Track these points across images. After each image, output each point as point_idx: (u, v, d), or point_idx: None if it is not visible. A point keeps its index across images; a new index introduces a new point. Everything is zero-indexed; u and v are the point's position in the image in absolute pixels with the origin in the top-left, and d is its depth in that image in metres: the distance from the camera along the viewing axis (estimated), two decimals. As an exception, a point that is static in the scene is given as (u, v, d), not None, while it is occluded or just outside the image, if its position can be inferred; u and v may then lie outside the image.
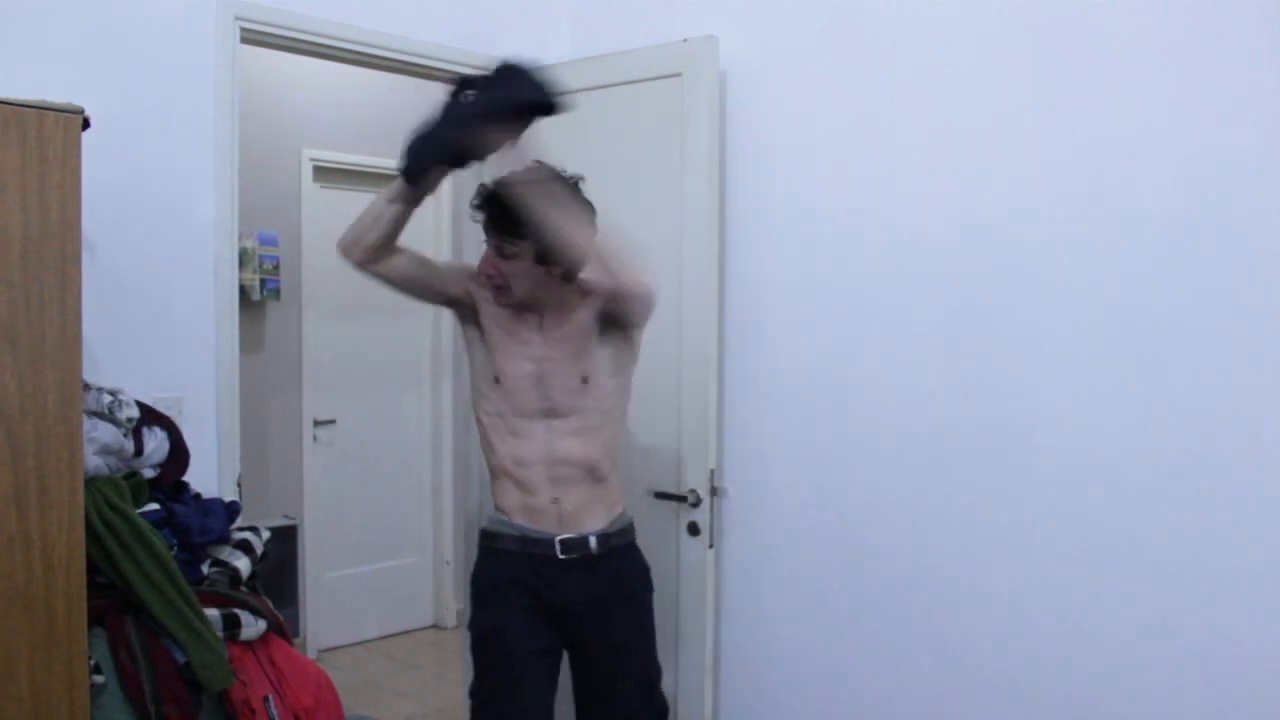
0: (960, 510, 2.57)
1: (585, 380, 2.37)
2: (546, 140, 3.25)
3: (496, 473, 2.43)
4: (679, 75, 2.93)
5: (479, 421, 2.46)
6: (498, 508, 2.44)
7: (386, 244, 2.42)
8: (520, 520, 2.39)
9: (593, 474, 2.39)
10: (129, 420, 2.29)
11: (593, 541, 2.38)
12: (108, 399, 2.28)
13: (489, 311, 2.42)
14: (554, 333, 2.38)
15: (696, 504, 2.92)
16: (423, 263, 2.52)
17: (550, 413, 2.37)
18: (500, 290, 2.36)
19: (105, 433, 2.24)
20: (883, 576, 2.72)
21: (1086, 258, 2.34)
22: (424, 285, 2.49)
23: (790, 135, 2.88)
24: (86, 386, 2.18)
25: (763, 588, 2.97)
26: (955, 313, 2.57)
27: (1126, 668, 2.30)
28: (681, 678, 2.98)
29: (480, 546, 2.48)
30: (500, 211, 2.30)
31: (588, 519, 2.39)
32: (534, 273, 2.32)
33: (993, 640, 2.52)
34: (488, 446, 2.44)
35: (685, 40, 2.94)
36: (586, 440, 2.38)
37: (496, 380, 2.39)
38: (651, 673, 2.52)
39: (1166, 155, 2.22)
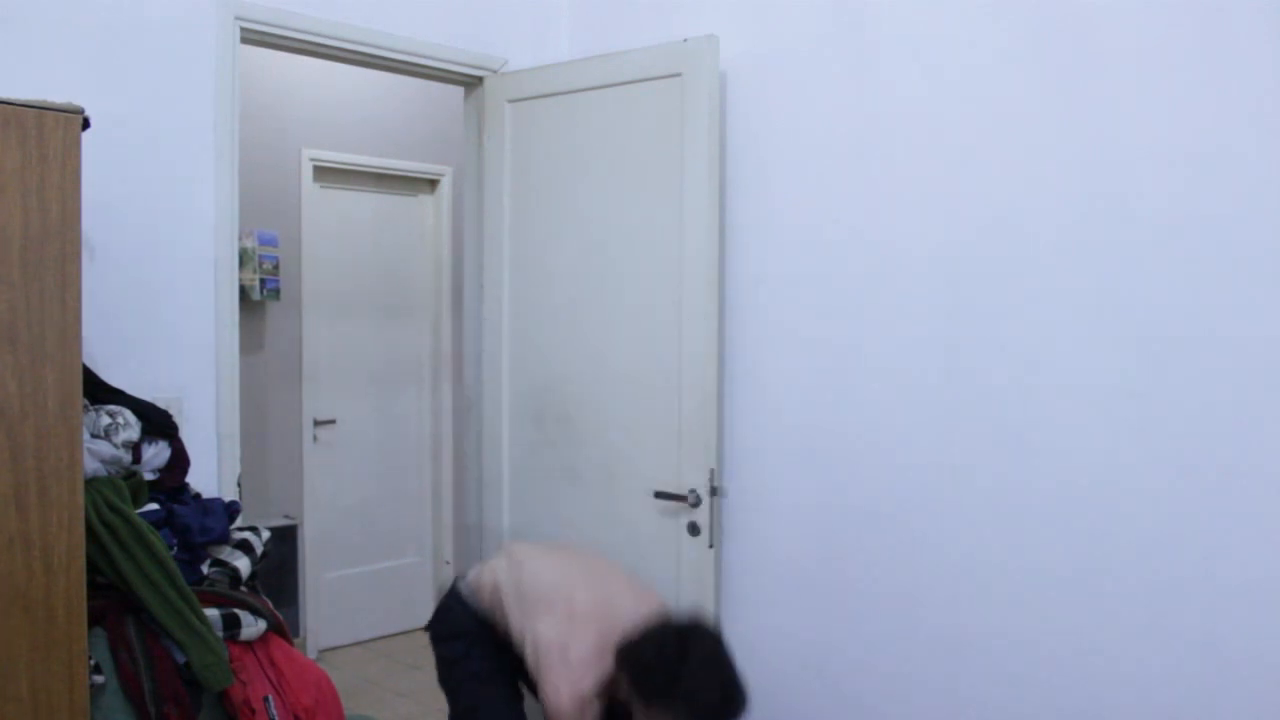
0: (959, 511, 2.57)
1: None
2: (546, 138, 3.26)
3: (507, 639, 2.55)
4: (679, 75, 2.93)
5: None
6: (484, 599, 2.60)
7: None
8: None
9: None
10: (126, 444, 2.29)
11: None
12: (105, 421, 2.27)
13: None
14: None
15: (696, 504, 2.92)
16: None
17: None
18: None
19: (103, 448, 2.24)
20: (882, 576, 2.72)
21: (1087, 260, 2.34)
22: None
23: (790, 135, 2.88)
24: (85, 408, 2.18)
25: (763, 588, 2.97)
26: (955, 313, 2.57)
27: (1125, 668, 2.30)
28: (681, 678, 2.98)
29: (451, 597, 2.70)
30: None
31: None
32: None
33: (993, 640, 2.52)
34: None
35: (685, 40, 2.94)
36: None
37: None
38: None
39: (1167, 158, 2.22)
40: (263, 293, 4.58)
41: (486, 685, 2.55)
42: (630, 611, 2.40)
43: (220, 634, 2.21)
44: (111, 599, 2.14)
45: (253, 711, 2.18)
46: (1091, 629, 2.35)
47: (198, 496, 2.51)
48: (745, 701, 2.26)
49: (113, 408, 2.33)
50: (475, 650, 2.56)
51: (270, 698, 2.23)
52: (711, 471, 2.91)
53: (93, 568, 2.07)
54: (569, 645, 2.34)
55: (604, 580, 2.55)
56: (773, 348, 2.94)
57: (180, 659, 2.14)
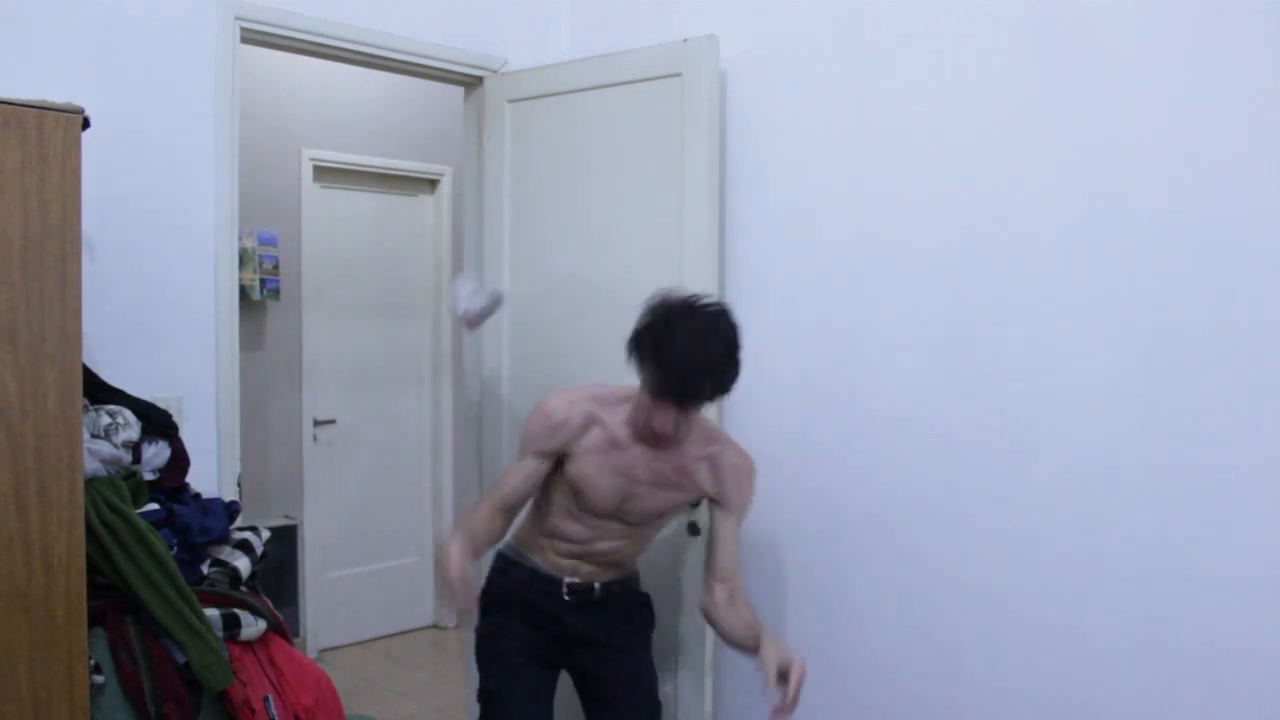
0: (959, 511, 2.57)
1: (660, 516, 2.49)
2: (546, 138, 3.26)
3: (536, 530, 2.48)
4: (679, 75, 2.93)
5: (542, 499, 2.46)
6: (519, 540, 2.52)
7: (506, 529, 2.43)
8: (536, 559, 2.48)
9: (620, 565, 2.52)
10: (126, 444, 2.29)
11: (597, 587, 2.48)
12: (105, 421, 2.27)
13: (588, 447, 2.35)
14: (662, 469, 2.36)
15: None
16: (530, 478, 2.39)
17: (618, 518, 2.42)
18: (659, 439, 2.29)
19: (103, 448, 2.24)
20: (882, 577, 2.72)
21: (1087, 260, 2.34)
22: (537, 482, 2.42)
23: (790, 136, 2.88)
24: (85, 408, 2.18)
25: (762, 588, 2.97)
26: (955, 314, 2.57)
27: (1125, 669, 2.30)
28: (681, 679, 2.98)
29: (494, 566, 2.57)
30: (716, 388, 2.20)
31: (597, 579, 2.49)
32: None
33: (992, 641, 2.52)
34: (542, 516, 2.46)
35: (685, 40, 2.94)
36: (632, 546, 2.50)
37: (579, 491, 2.38)
38: (655, 697, 2.59)
39: (1167, 158, 2.22)
40: (263, 293, 4.58)
41: (510, 672, 2.46)
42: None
43: (220, 634, 2.21)
44: (111, 599, 2.14)
45: (253, 711, 2.18)
46: (1091, 627, 2.35)
47: (198, 496, 2.51)
48: (710, 364, 2.11)
49: (113, 408, 2.33)
50: (510, 627, 2.46)
51: (270, 698, 2.23)
52: (711, 471, 2.91)
53: (93, 568, 2.07)
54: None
55: None
56: (773, 348, 2.93)
57: (180, 659, 2.14)
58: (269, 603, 2.41)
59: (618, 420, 2.32)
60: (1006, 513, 2.49)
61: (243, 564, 2.42)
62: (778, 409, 2.93)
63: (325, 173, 4.89)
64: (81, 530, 1.98)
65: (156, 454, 2.41)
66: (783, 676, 2.14)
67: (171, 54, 2.72)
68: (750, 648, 2.27)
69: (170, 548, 2.24)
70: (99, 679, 2.05)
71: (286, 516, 4.76)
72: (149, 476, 2.38)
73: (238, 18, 2.82)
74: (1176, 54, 2.20)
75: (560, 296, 3.23)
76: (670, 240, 2.95)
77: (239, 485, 2.86)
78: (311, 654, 4.76)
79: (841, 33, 2.77)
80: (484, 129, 3.42)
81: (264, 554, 2.52)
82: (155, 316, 2.70)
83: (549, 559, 2.46)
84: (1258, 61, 2.09)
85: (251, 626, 2.28)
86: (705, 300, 2.21)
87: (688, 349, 2.11)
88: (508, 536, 2.52)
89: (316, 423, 4.92)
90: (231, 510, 2.51)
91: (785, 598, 2.93)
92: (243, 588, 2.40)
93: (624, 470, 2.33)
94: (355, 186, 5.04)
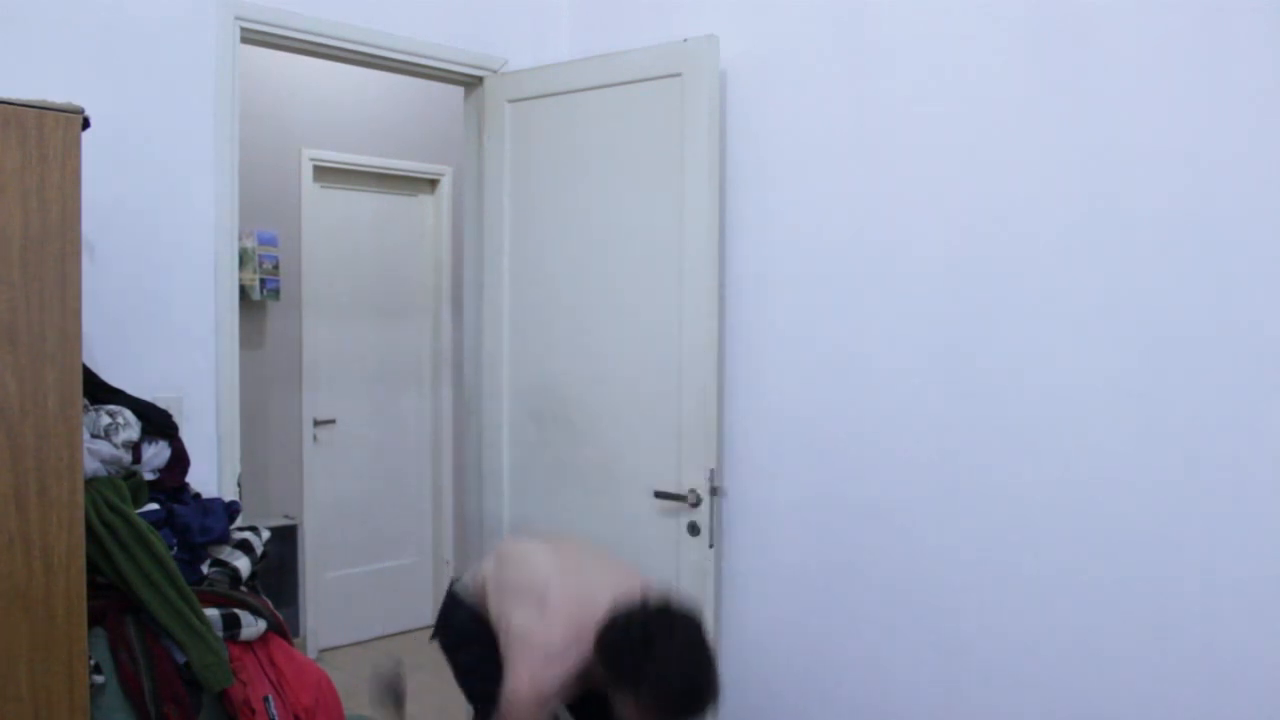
0: (960, 511, 2.57)
1: None
2: (546, 138, 3.26)
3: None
4: (679, 75, 2.94)
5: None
6: (480, 599, 2.59)
7: None
8: None
9: None
10: (126, 444, 2.29)
11: None
12: (105, 421, 2.27)
13: None
14: None
15: (696, 504, 2.92)
16: None
17: None
18: None
19: (103, 448, 2.24)
20: (882, 577, 2.72)
21: (1087, 261, 2.34)
22: None
23: (791, 135, 2.88)
24: (85, 408, 2.18)
25: (762, 588, 2.97)
26: (955, 314, 2.57)
27: (1125, 669, 2.30)
28: (681, 678, 2.98)
29: (456, 611, 2.66)
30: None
31: None
32: None
33: (992, 641, 2.52)
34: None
35: (685, 40, 2.94)
36: None
37: None
38: None
39: (1167, 158, 2.21)
40: (263, 293, 4.58)
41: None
42: (609, 602, 2.35)
43: (220, 634, 2.21)
44: (111, 599, 2.14)
45: (253, 711, 2.18)
46: (1091, 627, 2.35)
47: (198, 496, 2.52)
48: (710, 695, 2.19)
49: (113, 408, 2.33)
50: (489, 656, 2.49)
51: (270, 698, 2.23)
52: (711, 471, 2.91)
53: (93, 568, 2.07)
54: (537, 637, 2.33)
55: (586, 572, 2.49)
56: (773, 347, 2.94)
57: (180, 659, 2.14)
58: (269, 603, 2.41)
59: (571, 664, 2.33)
60: (1006, 511, 2.48)
61: (243, 564, 2.42)
62: (777, 408, 2.93)
63: (325, 173, 4.89)
64: (81, 530, 1.98)
65: (156, 454, 2.41)
66: None
67: (171, 54, 2.72)
68: None
69: (170, 548, 2.25)
70: (99, 679, 2.04)
71: (286, 516, 4.76)
72: (149, 476, 2.38)
73: (238, 18, 2.82)
74: (1176, 54, 2.20)
75: (560, 296, 3.23)
76: (670, 240, 2.95)
77: (239, 485, 2.86)
78: (311, 654, 4.76)
79: (841, 33, 2.77)
80: (484, 129, 3.42)
81: (264, 554, 2.52)
82: (155, 316, 2.70)
83: None
84: (1258, 61, 2.09)
85: (251, 626, 2.28)
86: (672, 608, 2.24)
87: (694, 673, 2.16)
88: (464, 579, 2.67)
89: (316, 423, 4.92)
90: (231, 510, 2.51)
91: (785, 596, 2.93)
92: (243, 588, 2.40)
93: None
94: (355, 186, 5.04)
